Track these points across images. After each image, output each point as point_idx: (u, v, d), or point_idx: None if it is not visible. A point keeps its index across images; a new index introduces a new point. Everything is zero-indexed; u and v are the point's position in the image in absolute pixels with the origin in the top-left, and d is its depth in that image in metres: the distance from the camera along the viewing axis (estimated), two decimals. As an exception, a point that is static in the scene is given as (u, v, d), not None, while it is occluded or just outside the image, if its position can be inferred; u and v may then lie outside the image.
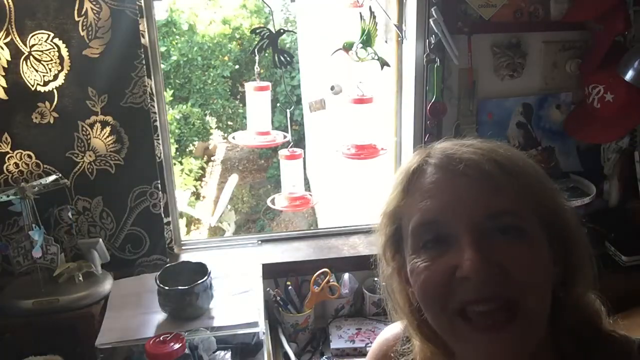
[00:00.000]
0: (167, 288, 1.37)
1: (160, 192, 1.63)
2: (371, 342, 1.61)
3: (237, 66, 7.62)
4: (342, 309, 1.74)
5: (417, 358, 0.75)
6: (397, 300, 0.74)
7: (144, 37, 1.54)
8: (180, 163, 6.97)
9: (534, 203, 0.63)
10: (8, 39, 1.44)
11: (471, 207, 0.61)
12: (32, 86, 1.48)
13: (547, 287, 0.63)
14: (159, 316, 1.40)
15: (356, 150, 1.76)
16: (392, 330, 0.85)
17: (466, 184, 0.62)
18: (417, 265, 0.65)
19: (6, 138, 1.51)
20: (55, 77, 1.49)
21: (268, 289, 1.65)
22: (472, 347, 0.62)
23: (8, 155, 1.52)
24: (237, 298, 1.47)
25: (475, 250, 0.59)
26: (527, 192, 0.63)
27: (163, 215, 1.66)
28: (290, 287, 1.67)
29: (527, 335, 0.61)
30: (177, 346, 1.22)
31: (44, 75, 1.48)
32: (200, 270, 1.43)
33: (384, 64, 1.70)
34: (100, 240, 1.55)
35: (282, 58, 1.64)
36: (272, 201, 1.81)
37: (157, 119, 1.64)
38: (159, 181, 1.62)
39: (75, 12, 1.45)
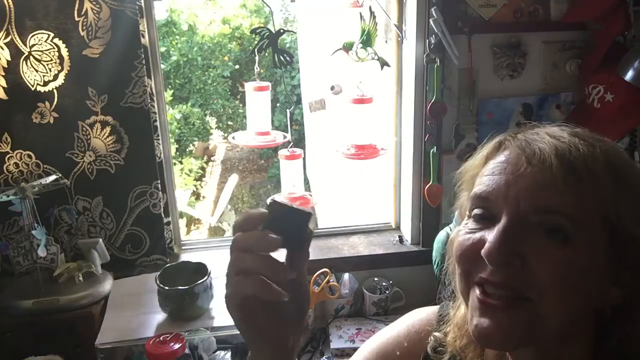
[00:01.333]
0: (167, 288, 1.37)
1: (160, 192, 1.63)
2: (371, 342, 1.61)
3: (237, 66, 7.62)
4: (342, 309, 1.74)
5: (451, 333, 0.75)
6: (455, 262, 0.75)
7: (144, 37, 1.54)
8: (180, 163, 6.97)
9: (605, 216, 0.60)
10: (8, 39, 1.44)
11: (522, 196, 0.60)
12: (32, 86, 1.48)
13: (576, 300, 0.60)
14: (159, 316, 1.40)
15: (356, 150, 1.76)
16: (425, 311, 0.84)
17: (530, 174, 0.61)
18: (460, 230, 0.66)
19: (6, 138, 1.51)
20: (55, 77, 1.49)
21: (268, 289, 1.64)
22: (475, 315, 0.62)
23: (8, 155, 1.52)
24: (237, 298, 1.47)
25: (502, 236, 0.59)
26: (598, 201, 0.59)
27: (163, 215, 1.66)
28: (290, 287, 1.67)
29: (531, 328, 0.60)
30: (177, 346, 1.23)
31: (44, 75, 1.48)
32: (200, 270, 1.43)
33: (384, 64, 1.69)
34: (100, 240, 1.55)
35: (282, 58, 1.63)
36: (272, 201, 1.81)
37: (157, 119, 1.64)
38: (159, 181, 1.62)
39: (75, 12, 1.45)
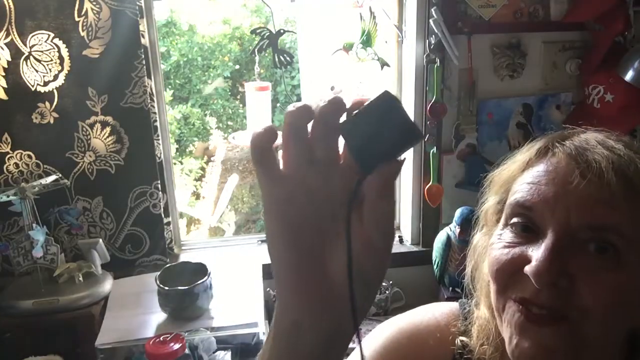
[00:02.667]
0: (167, 288, 1.37)
1: (160, 192, 1.63)
2: (371, 342, 1.61)
3: (237, 66, 7.62)
4: (342, 309, 1.74)
5: (475, 336, 0.72)
6: (480, 266, 0.71)
7: (144, 37, 1.54)
8: (181, 163, 6.97)
9: None
10: (8, 39, 1.44)
11: (574, 210, 0.56)
12: (32, 86, 1.48)
13: (620, 325, 0.58)
14: (159, 316, 1.40)
15: (356, 151, 1.76)
16: (446, 306, 0.81)
17: (582, 187, 0.56)
18: (496, 241, 0.62)
19: (6, 138, 1.51)
20: (55, 77, 1.49)
21: (268, 289, 1.65)
22: (515, 333, 0.58)
23: (8, 156, 1.52)
24: (237, 298, 1.47)
25: (551, 254, 0.55)
26: None
27: (163, 216, 1.66)
28: (290, 287, 1.67)
29: (574, 345, 0.56)
30: (177, 346, 1.22)
31: (44, 76, 1.48)
32: (200, 270, 1.43)
33: (384, 64, 1.69)
34: (100, 240, 1.55)
35: (282, 58, 1.64)
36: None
37: (157, 119, 1.63)
38: (159, 181, 1.62)
39: (75, 12, 1.45)
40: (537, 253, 0.56)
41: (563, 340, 0.56)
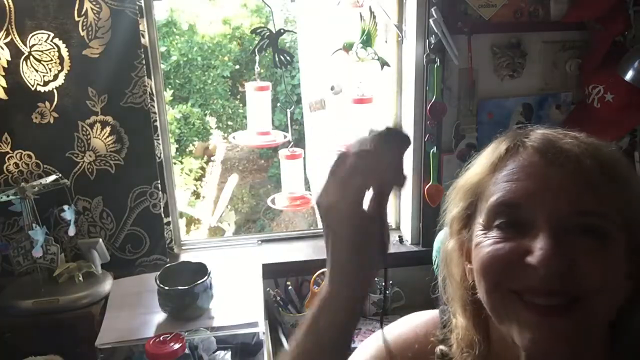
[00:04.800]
0: (167, 288, 1.37)
1: (160, 192, 1.63)
2: (371, 342, 1.61)
3: (237, 66, 7.62)
4: (342, 309, 1.74)
5: (455, 344, 0.72)
6: (453, 274, 0.72)
7: (144, 37, 1.54)
8: (181, 163, 6.97)
9: (626, 212, 0.60)
10: (8, 39, 1.44)
11: (560, 199, 0.58)
12: (32, 86, 1.48)
13: (616, 297, 0.60)
14: (159, 316, 1.40)
15: (356, 150, 1.75)
16: (425, 315, 0.82)
17: (562, 175, 0.59)
18: (484, 239, 0.63)
19: (6, 138, 1.51)
20: (55, 77, 1.49)
21: (268, 289, 1.65)
22: (525, 330, 0.59)
23: (8, 155, 1.52)
24: (237, 298, 1.47)
25: (554, 241, 0.57)
26: (621, 199, 0.59)
27: (163, 215, 1.66)
28: (290, 287, 1.67)
29: (585, 330, 0.58)
30: (177, 346, 1.23)
31: (44, 75, 1.48)
32: (200, 270, 1.43)
33: (384, 64, 1.69)
34: (100, 240, 1.55)
35: (282, 58, 1.64)
36: (272, 201, 1.81)
37: (157, 119, 1.64)
38: (159, 181, 1.62)
39: (75, 12, 1.45)
40: (538, 243, 0.57)
41: (578, 326, 0.57)
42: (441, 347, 0.74)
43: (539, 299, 0.58)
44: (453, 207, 0.71)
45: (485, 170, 0.65)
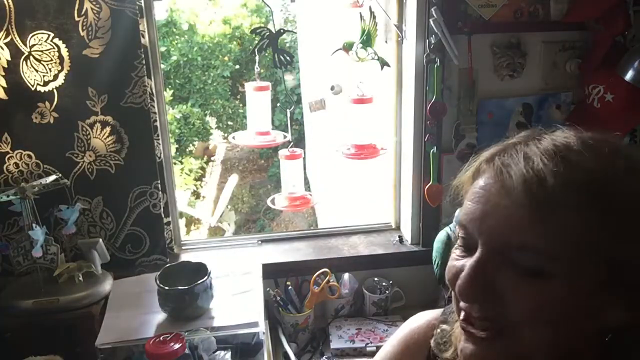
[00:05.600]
0: (167, 288, 1.37)
1: (160, 192, 1.63)
2: (371, 342, 1.62)
3: (237, 66, 7.62)
4: (342, 309, 1.74)
5: (454, 344, 0.73)
6: None
7: (144, 37, 1.54)
8: (181, 163, 6.97)
9: (588, 242, 0.56)
10: (8, 39, 1.44)
11: (494, 231, 0.59)
12: (32, 86, 1.48)
13: (558, 332, 0.58)
14: (159, 316, 1.40)
15: (356, 150, 1.76)
16: (423, 317, 0.85)
17: (504, 204, 0.58)
18: (452, 253, 0.67)
19: (6, 138, 1.51)
20: (55, 77, 1.49)
21: (268, 289, 1.65)
22: (460, 341, 0.64)
23: (8, 155, 1.52)
24: (237, 298, 1.47)
25: (472, 272, 0.60)
26: (577, 231, 0.55)
27: (163, 215, 1.66)
28: (290, 287, 1.67)
29: (506, 356, 0.61)
30: (177, 346, 1.22)
31: (44, 75, 1.48)
32: (200, 270, 1.43)
33: (384, 64, 1.70)
34: (100, 240, 1.55)
35: (282, 58, 1.64)
36: (272, 201, 1.81)
37: (157, 119, 1.64)
38: (159, 181, 1.62)
39: (75, 12, 1.45)
40: (463, 273, 0.61)
41: (503, 353, 0.61)
42: (442, 325, 0.77)
43: (468, 327, 0.62)
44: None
45: (467, 179, 0.67)
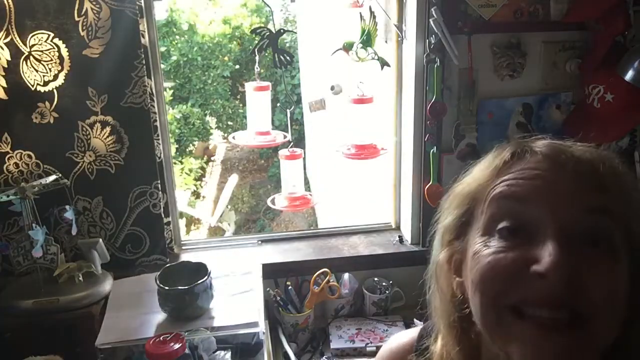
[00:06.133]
0: (167, 288, 1.37)
1: (160, 192, 1.63)
2: (371, 342, 1.62)
3: (237, 66, 7.62)
4: (342, 309, 1.74)
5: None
6: (441, 288, 0.68)
7: (144, 37, 1.54)
8: (181, 163, 6.97)
9: (628, 227, 0.57)
10: (8, 39, 1.44)
11: (571, 201, 0.55)
12: (32, 86, 1.48)
13: (619, 318, 0.56)
14: (159, 316, 1.40)
15: (356, 150, 1.76)
16: (406, 335, 0.81)
17: (574, 180, 0.56)
18: (483, 248, 0.58)
19: (6, 138, 1.51)
20: (55, 77, 1.49)
21: (268, 289, 1.65)
22: (526, 346, 0.55)
23: (8, 155, 1.52)
24: (237, 298, 1.47)
25: (563, 248, 0.53)
26: (626, 212, 0.57)
27: (163, 215, 1.66)
28: (290, 287, 1.67)
29: (586, 351, 0.55)
30: (177, 346, 1.22)
31: (44, 75, 1.48)
32: (200, 270, 1.43)
33: (384, 64, 1.70)
34: (100, 240, 1.55)
35: (282, 58, 1.63)
36: (272, 201, 1.81)
37: (157, 119, 1.64)
38: (159, 181, 1.62)
39: (75, 12, 1.45)
40: (547, 249, 0.53)
41: (579, 347, 0.54)
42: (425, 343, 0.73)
43: (542, 310, 0.54)
44: (446, 216, 0.68)
45: (487, 176, 0.62)
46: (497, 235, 0.58)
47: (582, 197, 0.55)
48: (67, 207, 1.48)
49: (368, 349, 1.60)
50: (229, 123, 7.59)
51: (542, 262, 0.53)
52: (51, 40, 1.46)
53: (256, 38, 1.61)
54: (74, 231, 1.49)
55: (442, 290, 0.68)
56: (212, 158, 8.10)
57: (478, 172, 0.64)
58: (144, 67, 1.52)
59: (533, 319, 0.54)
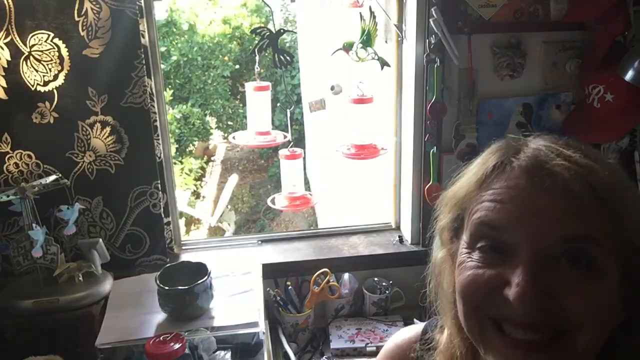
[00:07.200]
0: (167, 288, 1.37)
1: (160, 192, 1.63)
2: (371, 342, 1.62)
3: (237, 66, 7.63)
4: (342, 309, 1.74)
5: (441, 355, 0.72)
6: (443, 283, 0.70)
7: (144, 37, 1.54)
8: (181, 163, 6.97)
9: (620, 237, 0.57)
10: (8, 39, 1.44)
11: (545, 225, 0.56)
12: (32, 86, 1.48)
13: (605, 329, 0.57)
14: (159, 316, 1.40)
15: (356, 150, 1.76)
16: (411, 330, 0.83)
17: (549, 201, 0.56)
18: (466, 260, 0.61)
19: (6, 138, 1.51)
20: (55, 77, 1.49)
21: (268, 289, 1.65)
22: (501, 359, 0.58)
23: (8, 155, 1.52)
24: (237, 298, 1.47)
25: (531, 277, 0.55)
26: (616, 223, 0.56)
27: (163, 215, 1.66)
28: (290, 287, 1.67)
29: None
30: (177, 346, 1.22)
31: (44, 75, 1.48)
32: (200, 270, 1.43)
33: (384, 64, 1.69)
34: (100, 240, 1.55)
35: (282, 58, 1.63)
36: (272, 201, 1.81)
37: (157, 119, 1.64)
38: (159, 181, 1.62)
39: (75, 12, 1.45)
40: (516, 277, 0.55)
41: None
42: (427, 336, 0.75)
43: (516, 332, 0.56)
44: (443, 216, 0.69)
45: (472, 185, 0.64)
46: (477, 250, 0.60)
47: (557, 225, 0.56)
48: (63, 206, 1.48)
49: (368, 349, 1.60)
50: (229, 123, 7.59)
51: (511, 291, 0.55)
52: (51, 40, 1.46)
53: (256, 38, 1.61)
54: (67, 231, 1.48)
55: (443, 288, 0.70)
56: (212, 158, 8.10)
57: (466, 180, 0.66)
58: (144, 67, 1.52)
59: (512, 336, 0.56)
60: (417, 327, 0.82)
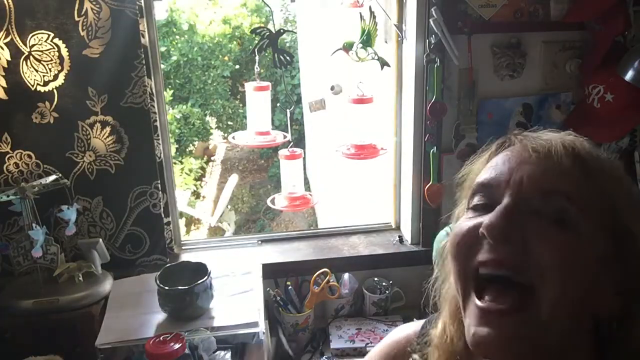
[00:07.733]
0: (167, 288, 1.37)
1: (160, 192, 1.63)
2: (371, 342, 1.62)
3: (237, 66, 7.63)
4: (342, 309, 1.74)
5: (435, 348, 0.73)
6: (448, 273, 0.71)
7: (144, 37, 1.54)
8: (181, 163, 6.97)
9: (614, 214, 0.60)
10: (8, 39, 1.44)
11: (526, 179, 0.61)
12: (32, 86, 1.48)
13: (575, 291, 0.58)
14: (159, 316, 1.40)
15: (356, 150, 1.76)
16: (410, 327, 0.84)
17: (534, 160, 0.62)
18: (461, 219, 0.65)
19: (6, 138, 1.51)
20: (55, 77, 1.49)
21: (268, 289, 1.65)
22: (474, 323, 0.60)
23: (8, 155, 1.52)
24: (237, 298, 1.47)
25: (503, 211, 0.59)
26: (604, 199, 0.60)
27: (163, 215, 1.66)
28: (290, 287, 1.67)
29: (535, 331, 0.58)
30: (177, 346, 1.23)
31: (44, 75, 1.48)
32: (200, 270, 1.43)
33: (384, 64, 1.69)
34: (100, 240, 1.55)
35: (282, 58, 1.63)
36: (272, 201, 1.81)
37: (157, 119, 1.64)
38: (159, 181, 1.62)
39: (75, 12, 1.45)
40: (491, 214, 0.60)
41: (521, 327, 0.58)
42: (415, 356, 0.76)
43: (487, 269, 0.59)
44: (459, 203, 0.72)
45: (478, 168, 0.69)
46: (471, 209, 0.65)
47: (537, 178, 0.60)
48: (63, 207, 1.48)
49: (368, 349, 1.60)
50: (229, 123, 7.59)
51: (484, 222, 0.60)
52: (51, 40, 1.46)
53: (256, 38, 1.61)
54: (68, 231, 1.48)
55: (447, 280, 0.72)
56: (212, 158, 8.10)
57: (476, 164, 0.71)
58: (144, 67, 1.52)
59: (485, 304, 0.60)
60: (416, 324, 0.83)
